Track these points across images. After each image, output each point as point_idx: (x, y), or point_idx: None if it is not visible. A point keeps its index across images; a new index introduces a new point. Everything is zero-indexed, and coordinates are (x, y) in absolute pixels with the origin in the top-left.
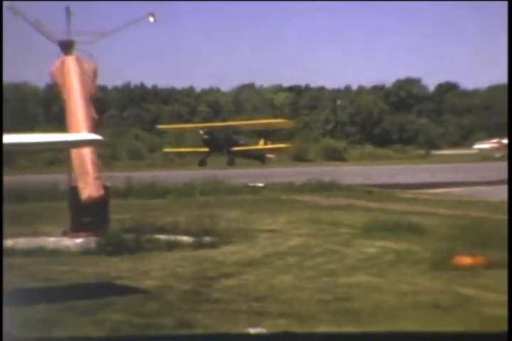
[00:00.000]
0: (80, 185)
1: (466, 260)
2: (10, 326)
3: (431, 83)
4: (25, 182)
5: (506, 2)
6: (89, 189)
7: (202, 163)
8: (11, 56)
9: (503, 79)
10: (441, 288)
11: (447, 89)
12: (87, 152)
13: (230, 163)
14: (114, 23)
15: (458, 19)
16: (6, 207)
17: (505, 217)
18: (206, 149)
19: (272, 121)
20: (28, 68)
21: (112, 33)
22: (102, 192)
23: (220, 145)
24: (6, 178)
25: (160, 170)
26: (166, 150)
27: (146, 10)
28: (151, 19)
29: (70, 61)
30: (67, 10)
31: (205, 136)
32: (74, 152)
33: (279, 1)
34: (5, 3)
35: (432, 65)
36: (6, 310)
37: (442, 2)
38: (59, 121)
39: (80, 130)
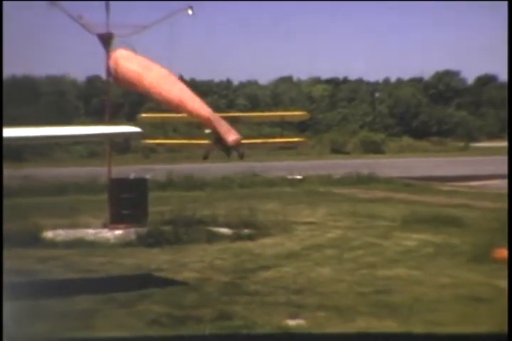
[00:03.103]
0: (223, 133)
1: (506, 253)
2: (51, 316)
3: (470, 75)
4: (64, 174)
5: (506, 2)
6: (231, 134)
7: (205, 157)
8: (50, 50)
9: None
10: (481, 280)
11: (486, 81)
12: (209, 111)
13: (241, 157)
14: (153, 16)
15: (495, 11)
16: (45, 199)
17: None
18: (201, 141)
19: (286, 113)
20: (68, 61)
21: (150, 26)
22: (240, 136)
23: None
24: (44, 170)
25: (197, 163)
26: (148, 141)
27: (185, 3)
28: (190, 12)
29: (127, 53)
30: (107, 3)
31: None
32: (207, 112)
33: None
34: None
35: (470, 57)
36: (47, 300)
37: None
38: (98, 114)
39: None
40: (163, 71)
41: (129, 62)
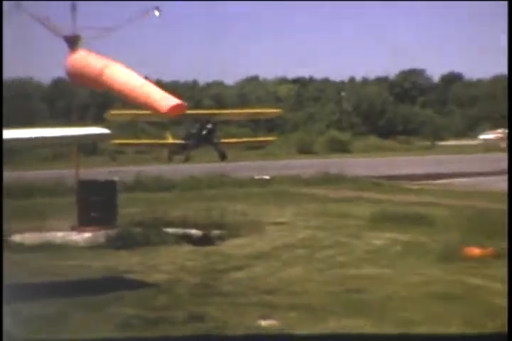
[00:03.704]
0: (156, 100)
1: (475, 251)
2: (15, 323)
3: (435, 74)
4: (29, 177)
5: (506, 2)
6: (165, 99)
7: (170, 159)
8: (15, 52)
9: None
10: (451, 278)
11: (451, 79)
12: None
13: (224, 157)
14: (120, 19)
15: (459, 11)
16: (10, 203)
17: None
18: (168, 141)
19: (259, 110)
20: (33, 64)
21: (117, 28)
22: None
23: (209, 137)
24: (8, 174)
25: (166, 164)
26: (116, 141)
27: (152, 3)
28: (157, 13)
29: (86, 53)
30: (73, 5)
31: (197, 127)
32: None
33: None
34: (9, 2)
35: (436, 56)
36: (9, 307)
37: None
38: (64, 117)
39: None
40: (123, 67)
41: (88, 61)
